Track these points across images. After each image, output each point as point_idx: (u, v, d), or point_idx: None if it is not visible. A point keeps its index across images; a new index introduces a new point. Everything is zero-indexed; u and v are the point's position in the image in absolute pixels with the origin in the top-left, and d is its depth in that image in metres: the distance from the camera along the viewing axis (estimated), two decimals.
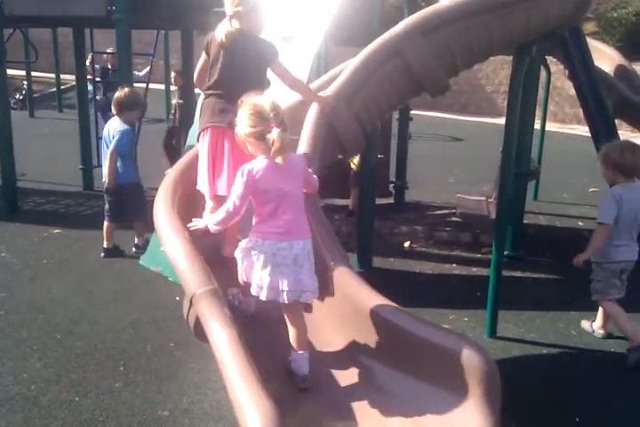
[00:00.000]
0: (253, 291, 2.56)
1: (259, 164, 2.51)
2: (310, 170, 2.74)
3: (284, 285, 2.48)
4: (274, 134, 2.43)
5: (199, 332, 2.44)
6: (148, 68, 8.80)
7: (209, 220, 2.67)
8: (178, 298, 4.08)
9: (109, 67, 8.79)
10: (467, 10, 3.40)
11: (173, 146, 7.62)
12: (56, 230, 5.89)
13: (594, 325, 4.09)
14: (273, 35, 4.63)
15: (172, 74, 8.41)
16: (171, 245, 2.69)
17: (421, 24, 3.34)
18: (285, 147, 2.46)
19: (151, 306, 4.28)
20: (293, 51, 4.41)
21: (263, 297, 2.52)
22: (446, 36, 3.36)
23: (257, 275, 2.53)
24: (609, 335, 4.03)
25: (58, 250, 5.38)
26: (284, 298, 2.48)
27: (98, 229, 5.35)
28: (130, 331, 3.93)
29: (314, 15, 4.60)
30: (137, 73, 8.68)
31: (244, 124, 2.52)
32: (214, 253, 3.05)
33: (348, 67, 3.41)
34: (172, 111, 7.93)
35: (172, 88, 8.46)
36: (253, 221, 2.57)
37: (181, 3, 6.44)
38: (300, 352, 2.51)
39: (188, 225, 2.76)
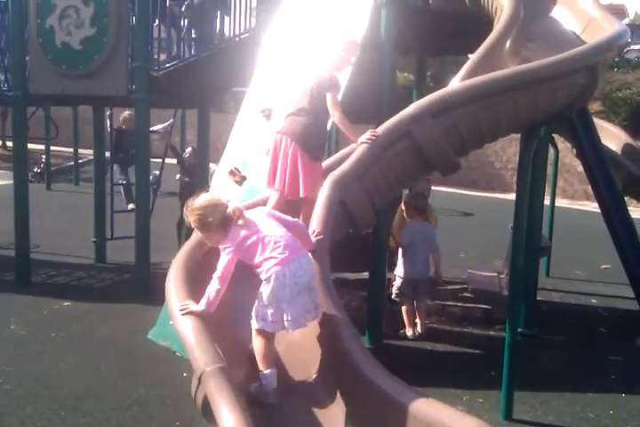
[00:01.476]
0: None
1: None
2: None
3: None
4: (231, 207, 2.72)
5: (207, 412, 2.38)
6: (169, 122, 8.97)
7: (200, 305, 2.69)
8: (185, 374, 4.02)
9: (123, 128, 8.96)
10: (475, 93, 3.52)
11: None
12: (66, 303, 5.88)
13: None
14: (283, 112, 4.81)
15: (189, 149, 8.62)
16: (181, 321, 2.68)
17: (431, 107, 3.46)
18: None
19: (158, 382, 4.20)
20: None
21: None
22: (455, 119, 3.47)
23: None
24: None
25: (67, 323, 5.35)
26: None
27: (108, 303, 5.34)
28: (135, 408, 3.84)
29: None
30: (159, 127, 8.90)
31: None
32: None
33: (361, 146, 3.51)
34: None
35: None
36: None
37: (199, 83, 6.71)
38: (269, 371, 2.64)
39: (180, 307, 2.72)
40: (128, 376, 4.32)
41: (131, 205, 8.14)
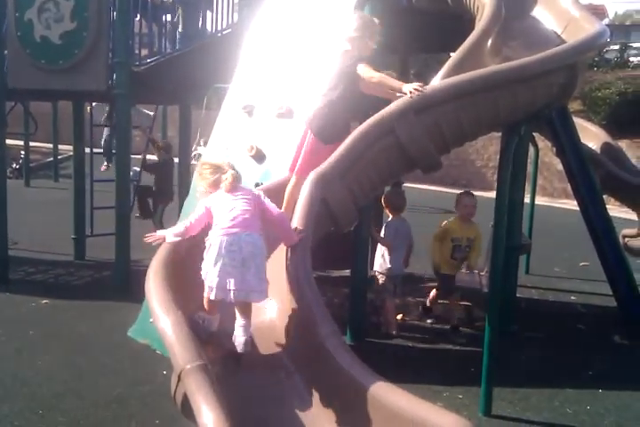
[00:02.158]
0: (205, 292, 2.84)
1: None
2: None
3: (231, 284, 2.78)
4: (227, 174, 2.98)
5: (186, 409, 2.38)
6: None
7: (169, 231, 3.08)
8: (165, 372, 3.99)
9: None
10: (456, 91, 3.54)
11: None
12: (45, 301, 5.81)
13: None
14: (267, 112, 4.79)
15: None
16: (161, 318, 2.67)
17: (413, 104, 3.47)
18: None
19: (138, 380, 4.17)
20: (288, 128, 4.54)
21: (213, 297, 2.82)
22: (437, 116, 3.49)
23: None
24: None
25: (46, 321, 5.29)
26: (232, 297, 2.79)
27: (87, 300, 5.30)
28: (115, 406, 3.81)
29: (309, 88, 4.70)
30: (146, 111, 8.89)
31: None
32: None
33: (343, 143, 3.51)
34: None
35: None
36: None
37: (181, 79, 6.66)
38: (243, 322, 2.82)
39: (145, 237, 3.12)
40: (107, 374, 4.28)
41: (103, 167, 8.17)
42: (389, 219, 5.47)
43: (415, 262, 7.42)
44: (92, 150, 8.27)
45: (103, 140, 8.80)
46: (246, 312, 2.87)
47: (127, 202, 6.56)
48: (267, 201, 3.05)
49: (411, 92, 3.51)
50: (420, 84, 3.56)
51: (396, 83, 3.62)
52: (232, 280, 2.78)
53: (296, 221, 3.21)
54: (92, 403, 3.85)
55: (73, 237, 7.59)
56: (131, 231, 6.26)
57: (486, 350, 3.89)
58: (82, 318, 5.29)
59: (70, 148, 8.02)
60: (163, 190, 8.00)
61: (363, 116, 3.74)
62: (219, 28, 7.23)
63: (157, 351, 4.18)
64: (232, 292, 2.78)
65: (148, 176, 8.40)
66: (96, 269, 7.08)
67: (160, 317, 2.68)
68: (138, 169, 8.40)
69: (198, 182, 3.16)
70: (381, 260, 5.30)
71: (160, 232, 3.14)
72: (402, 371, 4.18)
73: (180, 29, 7.29)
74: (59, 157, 14.95)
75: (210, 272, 2.82)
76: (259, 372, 2.80)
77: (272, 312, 3.13)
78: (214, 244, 2.83)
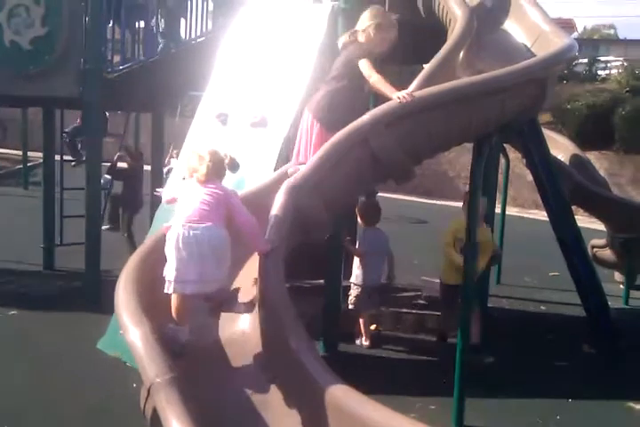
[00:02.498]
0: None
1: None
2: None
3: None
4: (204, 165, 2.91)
5: (156, 424, 2.33)
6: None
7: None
8: (135, 385, 3.92)
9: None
10: (427, 103, 3.56)
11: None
12: (12, 312, 5.68)
13: None
14: (241, 120, 4.78)
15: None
16: (130, 330, 2.62)
17: (386, 115, 3.48)
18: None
19: (107, 394, 4.10)
20: (262, 137, 4.52)
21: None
22: (409, 127, 3.50)
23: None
24: None
25: (13, 333, 5.18)
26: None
27: (56, 311, 5.20)
28: (82, 421, 3.74)
29: (283, 97, 4.71)
30: None
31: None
32: None
33: (317, 153, 3.50)
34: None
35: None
36: None
37: (153, 87, 6.61)
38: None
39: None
40: (76, 388, 4.20)
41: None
42: (363, 229, 5.47)
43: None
44: (62, 158, 8.17)
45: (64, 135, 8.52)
46: (214, 309, 2.91)
47: (97, 211, 6.47)
48: (236, 202, 2.96)
49: (399, 98, 3.51)
50: (409, 91, 3.57)
51: (388, 89, 3.60)
52: (190, 272, 2.76)
53: (269, 231, 3.19)
54: (59, 417, 3.77)
55: (42, 245, 7.46)
56: (101, 240, 6.18)
57: (458, 361, 3.91)
58: (50, 330, 5.19)
59: (40, 155, 7.90)
60: (131, 198, 7.86)
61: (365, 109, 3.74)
62: (193, 35, 7.20)
63: (127, 364, 4.10)
64: (189, 283, 2.77)
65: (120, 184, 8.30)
66: (65, 279, 6.97)
67: (129, 329, 2.63)
68: (109, 177, 8.29)
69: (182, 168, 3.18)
70: (357, 271, 5.29)
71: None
72: (375, 382, 4.16)
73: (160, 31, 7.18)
74: (28, 165, 14.72)
75: (168, 266, 2.80)
76: (230, 385, 2.76)
77: (244, 324, 3.09)
78: (171, 238, 2.80)
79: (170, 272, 2.79)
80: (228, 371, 2.83)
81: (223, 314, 3.09)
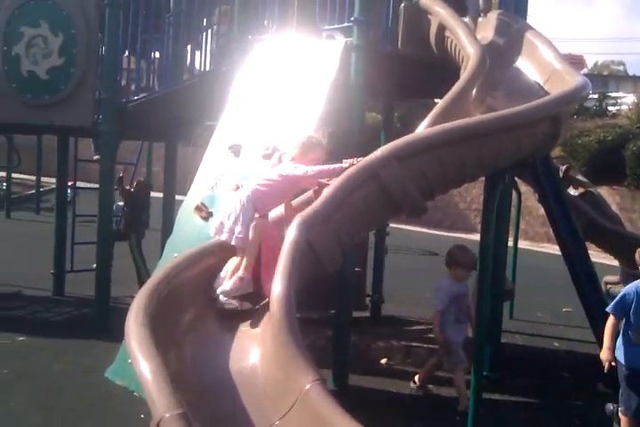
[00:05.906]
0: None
1: None
2: None
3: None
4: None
5: None
6: None
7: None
8: (143, 416, 3.88)
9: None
10: (440, 140, 3.57)
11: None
12: (21, 338, 5.66)
13: None
14: (253, 152, 4.81)
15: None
16: (140, 362, 2.60)
17: (399, 150, 3.49)
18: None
19: (113, 424, 4.06)
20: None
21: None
22: (421, 163, 3.51)
23: None
24: None
25: (20, 359, 5.15)
26: None
27: (64, 338, 5.18)
28: None
29: (294, 131, 4.74)
30: None
31: None
32: None
33: (328, 188, 3.51)
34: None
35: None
36: None
37: (168, 117, 6.68)
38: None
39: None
40: (82, 417, 4.16)
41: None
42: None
43: (397, 304, 7.42)
44: (75, 184, 8.24)
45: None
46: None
47: (109, 237, 6.49)
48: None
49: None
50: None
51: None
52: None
53: (281, 266, 3.18)
54: None
55: (52, 271, 7.47)
56: (112, 267, 6.19)
57: (472, 397, 3.85)
58: (58, 357, 5.16)
59: (53, 180, 7.97)
60: (135, 221, 7.75)
61: None
62: (208, 66, 7.27)
63: (135, 394, 4.06)
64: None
65: None
66: (75, 305, 6.96)
67: (139, 361, 2.61)
68: (121, 204, 8.32)
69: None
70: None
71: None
72: (385, 417, 4.11)
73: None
74: (41, 190, 14.86)
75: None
76: (240, 419, 2.72)
77: (254, 357, 3.07)
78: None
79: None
80: (237, 406, 2.79)
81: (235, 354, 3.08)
